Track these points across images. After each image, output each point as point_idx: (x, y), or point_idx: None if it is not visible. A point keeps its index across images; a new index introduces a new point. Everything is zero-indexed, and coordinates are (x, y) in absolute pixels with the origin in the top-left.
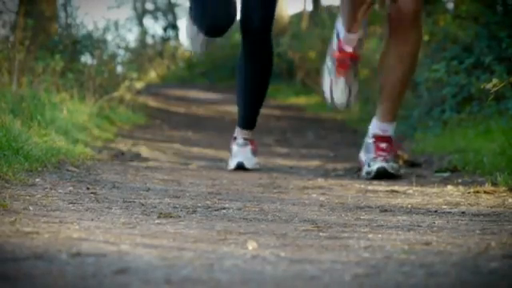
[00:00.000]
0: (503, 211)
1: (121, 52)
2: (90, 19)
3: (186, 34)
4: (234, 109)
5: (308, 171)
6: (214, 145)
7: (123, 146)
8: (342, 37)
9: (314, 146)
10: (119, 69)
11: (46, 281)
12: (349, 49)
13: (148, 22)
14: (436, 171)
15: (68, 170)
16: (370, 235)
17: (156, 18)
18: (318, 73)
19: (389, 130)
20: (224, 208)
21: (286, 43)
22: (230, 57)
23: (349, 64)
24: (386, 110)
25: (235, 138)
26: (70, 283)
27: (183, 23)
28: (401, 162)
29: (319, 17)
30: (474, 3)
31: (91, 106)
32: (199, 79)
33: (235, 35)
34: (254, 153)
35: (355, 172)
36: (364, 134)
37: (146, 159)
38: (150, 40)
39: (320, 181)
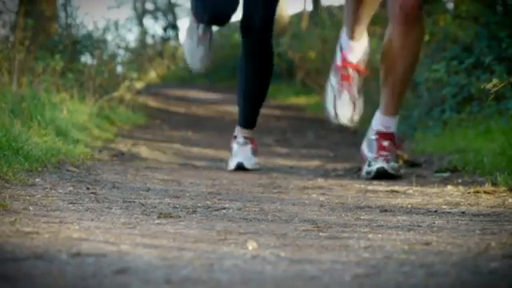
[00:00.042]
0: (503, 211)
1: (121, 52)
2: (90, 19)
3: (184, 48)
4: (233, 109)
5: (308, 171)
6: (213, 145)
7: (123, 146)
8: (344, 46)
9: (313, 145)
10: (119, 69)
11: (46, 281)
12: (353, 59)
13: (148, 22)
14: (436, 171)
15: (68, 170)
16: (370, 235)
17: (156, 18)
18: (318, 73)
19: (391, 125)
20: (224, 208)
21: (286, 43)
22: (230, 57)
23: (352, 76)
24: (389, 103)
25: (235, 137)
26: (70, 283)
27: (182, 34)
28: (401, 162)
29: (319, 17)
30: (474, 3)
31: (91, 106)
32: (199, 79)
33: (235, 35)
34: (254, 152)
35: (355, 172)
36: (364, 134)
37: (145, 159)
38: (150, 40)
39: (320, 181)
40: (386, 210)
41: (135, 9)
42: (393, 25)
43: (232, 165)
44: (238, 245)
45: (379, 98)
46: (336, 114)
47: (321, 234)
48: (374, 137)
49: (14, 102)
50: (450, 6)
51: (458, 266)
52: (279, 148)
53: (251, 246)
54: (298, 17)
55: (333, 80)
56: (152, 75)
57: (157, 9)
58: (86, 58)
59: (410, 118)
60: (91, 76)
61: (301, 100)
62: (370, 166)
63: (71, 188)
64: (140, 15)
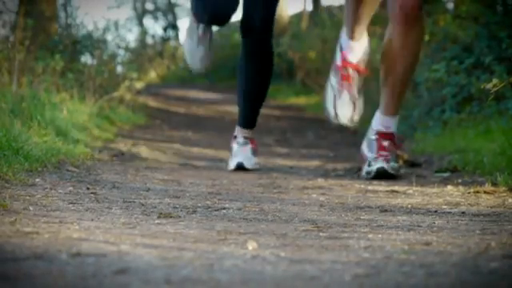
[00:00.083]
0: (503, 211)
1: (121, 52)
2: (90, 19)
3: (184, 48)
4: (233, 109)
5: (308, 171)
6: (213, 145)
7: (123, 146)
8: (344, 46)
9: (313, 145)
10: (119, 69)
11: (46, 281)
12: (353, 59)
13: (148, 21)
14: (436, 171)
15: (68, 170)
16: (370, 235)
17: (156, 18)
18: (318, 73)
19: (391, 125)
20: (224, 208)
21: (286, 43)
22: (230, 57)
23: (352, 76)
24: (389, 103)
25: (235, 137)
26: (70, 283)
27: (182, 34)
28: (401, 162)
29: (319, 17)
30: (474, 3)
31: (91, 106)
32: (199, 79)
33: (235, 35)
34: (254, 152)
35: (355, 172)
36: (364, 134)
37: (145, 159)
38: (150, 40)
39: (320, 181)
40: (386, 210)
41: (135, 9)
42: (393, 25)
43: (232, 165)
44: (237, 245)
45: (379, 98)
46: (336, 114)
47: (321, 233)
48: (373, 137)
49: (14, 102)
50: (450, 5)
51: (458, 266)
52: (279, 148)
53: (251, 245)
54: (298, 17)
55: (333, 80)
56: (152, 75)
57: (157, 9)
58: (86, 58)
59: (410, 117)
60: (91, 76)
61: (301, 100)
62: (370, 166)
63: (71, 188)
64: (140, 15)
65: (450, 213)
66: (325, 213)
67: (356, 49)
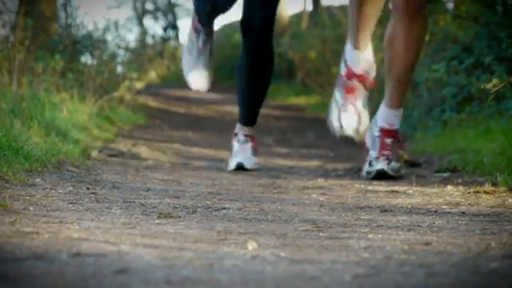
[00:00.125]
0: (503, 211)
1: (121, 52)
2: (90, 19)
3: (183, 67)
4: (233, 109)
5: (308, 171)
6: (213, 145)
7: (123, 146)
8: (349, 58)
9: (313, 146)
10: (119, 69)
11: (46, 281)
12: (358, 70)
13: (148, 22)
14: (436, 171)
15: (68, 170)
16: (370, 235)
17: (156, 18)
18: (318, 73)
19: (395, 122)
20: (224, 208)
21: (286, 43)
22: (230, 57)
23: (358, 88)
24: (394, 94)
25: (236, 135)
26: (70, 283)
27: (183, 58)
28: (401, 162)
29: (319, 17)
30: (474, 3)
31: (91, 106)
32: None
33: (235, 35)
34: (255, 150)
35: (355, 172)
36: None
37: (145, 159)
38: (150, 40)
39: (320, 181)
40: (386, 210)
41: (135, 9)
42: (396, 21)
43: (232, 165)
44: (237, 245)
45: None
46: (341, 126)
47: (321, 234)
48: (377, 133)
49: (14, 102)
50: (450, 5)
51: (457, 266)
52: (279, 148)
53: (251, 246)
54: (298, 17)
55: (337, 95)
56: (152, 75)
57: (157, 9)
58: (86, 58)
59: (410, 117)
60: (91, 76)
61: (301, 100)
62: (370, 165)
63: (71, 188)
64: (140, 15)
65: (449, 213)
66: (325, 213)
67: (361, 59)
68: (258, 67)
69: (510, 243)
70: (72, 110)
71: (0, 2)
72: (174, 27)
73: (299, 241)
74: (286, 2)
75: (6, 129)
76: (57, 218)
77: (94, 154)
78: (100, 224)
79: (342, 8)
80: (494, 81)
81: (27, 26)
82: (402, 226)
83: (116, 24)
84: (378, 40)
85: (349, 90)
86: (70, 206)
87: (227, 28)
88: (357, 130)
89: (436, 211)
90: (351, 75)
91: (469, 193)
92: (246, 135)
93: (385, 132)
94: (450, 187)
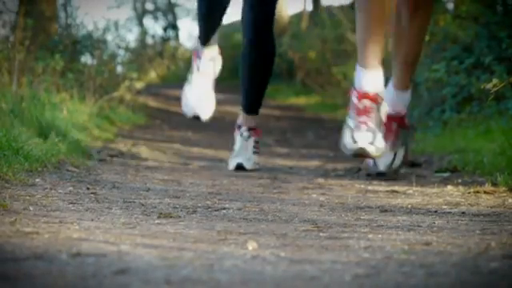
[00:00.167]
0: (503, 211)
1: (121, 52)
2: (90, 19)
3: (185, 96)
4: (233, 109)
5: (308, 171)
6: (213, 145)
7: (123, 146)
8: (357, 80)
9: (313, 146)
10: (119, 69)
11: (46, 281)
12: (369, 89)
13: (148, 22)
14: (436, 171)
15: (68, 170)
16: (370, 235)
17: (156, 18)
18: (318, 73)
19: (402, 105)
20: (224, 208)
21: (286, 43)
22: (231, 57)
23: (370, 107)
24: (401, 76)
25: (239, 127)
26: (70, 283)
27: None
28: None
29: (319, 17)
30: (474, 3)
31: (91, 106)
32: None
33: (235, 35)
34: (257, 147)
35: (355, 172)
36: None
37: (145, 159)
38: (150, 40)
39: (320, 181)
40: (386, 210)
41: (135, 9)
42: (403, 10)
43: (232, 165)
44: (238, 245)
45: None
46: (354, 141)
47: (321, 234)
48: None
49: (14, 102)
50: (450, 6)
51: (458, 266)
52: (279, 148)
53: (251, 246)
54: (298, 17)
55: (349, 121)
56: (152, 75)
57: (157, 9)
58: (86, 58)
59: (410, 118)
60: (91, 76)
61: (301, 100)
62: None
63: (71, 188)
64: (140, 15)
65: (449, 213)
66: (325, 213)
67: (372, 77)
68: (261, 55)
69: (510, 243)
70: (72, 110)
71: (0, 2)
72: (174, 27)
73: (299, 241)
74: (286, 2)
75: (6, 129)
76: (57, 218)
77: (94, 154)
78: (100, 224)
79: (342, 8)
80: (494, 81)
81: (27, 26)
82: (402, 226)
83: (116, 24)
84: None
85: (360, 112)
86: (70, 206)
87: (227, 28)
88: (372, 145)
89: (436, 211)
90: (361, 96)
91: (469, 193)
92: (249, 129)
93: (390, 118)
94: (449, 187)
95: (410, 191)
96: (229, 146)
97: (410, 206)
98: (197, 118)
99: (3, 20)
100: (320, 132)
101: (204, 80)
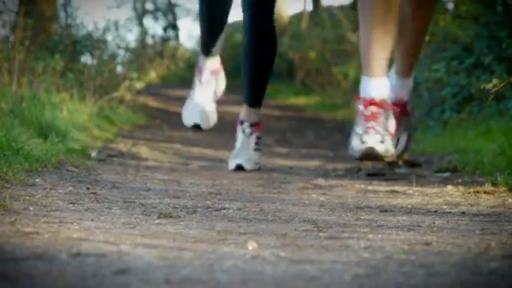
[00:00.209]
0: (503, 211)
1: (121, 52)
2: (90, 19)
3: (186, 108)
4: (233, 109)
5: (308, 171)
6: (213, 145)
7: (123, 146)
8: (363, 88)
9: (313, 146)
10: (119, 69)
11: (46, 281)
12: (375, 95)
13: (148, 22)
14: (436, 171)
15: (68, 170)
16: (370, 235)
17: (156, 18)
18: (318, 73)
19: (404, 93)
20: (224, 208)
21: (286, 43)
22: (231, 57)
23: (377, 113)
24: (403, 64)
25: (242, 122)
26: (70, 283)
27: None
28: (401, 162)
29: (319, 17)
30: (474, 3)
31: (91, 106)
32: None
33: (235, 35)
34: (258, 144)
35: (355, 172)
36: None
37: (145, 159)
38: (150, 40)
39: (320, 181)
40: (386, 210)
41: (135, 9)
42: (405, 8)
43: (232, 165)
44: (238, 245)
45: None
46: (362, 141)
47: (321, 234)
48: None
49: (14, 102)
50: (450, 6)
51: (457, 266)
52: (279, 148)
53: (251, 246)
54: (298, 17)
55: (357, 128)
56: (152, 75)
57: (157, 9)
58: (86, 58)
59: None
60: (91, 76)
61: (301, 100)
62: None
63: (71, 188)
64: (140, 15)
65: (449, 213)
66: (325, 213)
67: (377, 84)
68: (263, 45)
69: (510, 243)
70: (72, 110)
71: (0, 2)
72: (174, 27)
73: (299, 241)
74: (286, 2)
75: (5, 129)
76: (57, 218)
77: (94, 154)
78: (100, 224)
79: (342, 8)
80: (494, 81)
81: (27, 26)
82: (402, 225)
83: (116, 24)
84: None
85: (368, 118)
86: (70, 206)
87: (227, 28)
88: (381, 143)
89: (436, 211)
90: (367, 104)
91: (469, 193)
92: (251, 125)
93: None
94: (449, 187)
95: (410, 191)
96: (229, 146)
97: (409, 205)
98: (197, 126)
99: (3, 20)
100: (320, 132)
101: (206, 93)
